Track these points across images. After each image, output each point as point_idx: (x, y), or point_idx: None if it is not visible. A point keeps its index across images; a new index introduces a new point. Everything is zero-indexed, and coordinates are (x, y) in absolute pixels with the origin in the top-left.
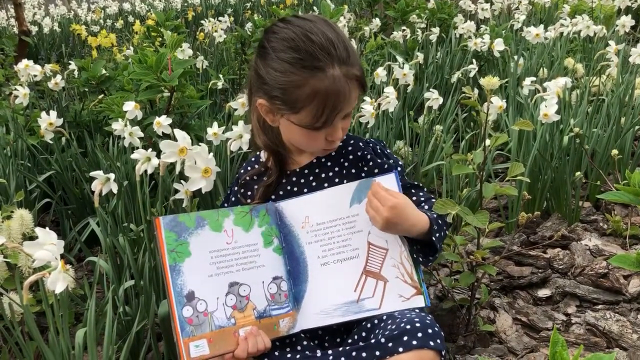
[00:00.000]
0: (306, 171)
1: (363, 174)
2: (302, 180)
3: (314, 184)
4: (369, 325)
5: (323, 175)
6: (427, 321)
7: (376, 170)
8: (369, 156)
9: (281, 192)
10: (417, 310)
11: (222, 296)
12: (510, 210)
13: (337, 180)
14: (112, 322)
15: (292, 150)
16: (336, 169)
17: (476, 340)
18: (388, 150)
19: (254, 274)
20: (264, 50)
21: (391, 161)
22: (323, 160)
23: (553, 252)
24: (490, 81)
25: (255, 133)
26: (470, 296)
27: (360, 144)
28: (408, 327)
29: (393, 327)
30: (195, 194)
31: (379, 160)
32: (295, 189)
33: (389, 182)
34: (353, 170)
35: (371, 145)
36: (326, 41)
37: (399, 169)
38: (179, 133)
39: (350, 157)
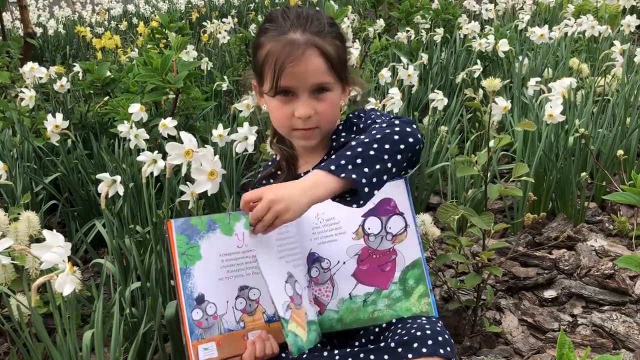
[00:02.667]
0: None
1: None
2: None
3: None
4: (376, 330)
5: None
6: (438, 328)
7: None
8: None
9: None
10: (428, 316)
11: (232, 300)
12: (515, 211)
13: None
14: (119, 324)
15: (299, 150)
16: None
17: (482, 341)
18: None
19: None
20: (261, 25)
21: None
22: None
23: (559, 252)
24: (492, 83)
25: (270, 132)
26: (475, 297)
27: None
28: (418, 333)
29: (403, 332)
30: (200, 195)
31: None
32: None
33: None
34: None
35: None
36: (298, 14)
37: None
38: (185, 135)
39: None
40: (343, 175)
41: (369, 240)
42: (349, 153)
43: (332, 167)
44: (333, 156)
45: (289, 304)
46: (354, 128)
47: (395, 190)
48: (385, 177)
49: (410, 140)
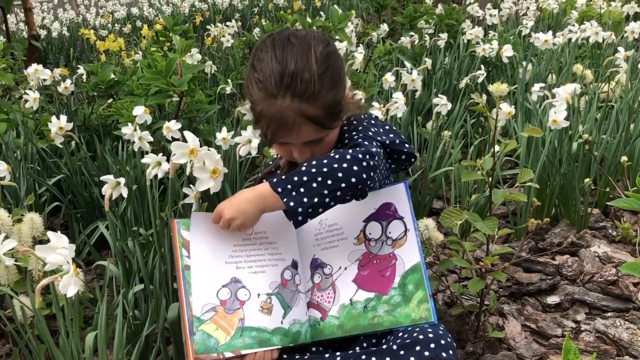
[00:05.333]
0: None
1: None
2: None
3: None
4: (378, 333)
5: None
6: (440, 332)
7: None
8: None
9: None
10: (429, 321)
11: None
12: (518, 216)
13: None
14: (122, 326)
15: None
16: None
17: (485, 346)
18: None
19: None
20: (252, 58)
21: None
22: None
23: (562, 258)
24: (499, 87)
25: None
26: (479, 302)
27: None
28: (421, 337)
29: (405, 335)
30: (203, 199)
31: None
32: None
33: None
34: None
35: None
36: (288, 72)
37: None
38: (188, 135)
39: None
40: (285, 200)
41: (370, 245)
42: (296, 178)
43: (279, 189)
44: (283, 176)
45: (216, 306)
46: (344, 135)
47: (395, 194)
48: (321, 210)
49: (353, 180)
